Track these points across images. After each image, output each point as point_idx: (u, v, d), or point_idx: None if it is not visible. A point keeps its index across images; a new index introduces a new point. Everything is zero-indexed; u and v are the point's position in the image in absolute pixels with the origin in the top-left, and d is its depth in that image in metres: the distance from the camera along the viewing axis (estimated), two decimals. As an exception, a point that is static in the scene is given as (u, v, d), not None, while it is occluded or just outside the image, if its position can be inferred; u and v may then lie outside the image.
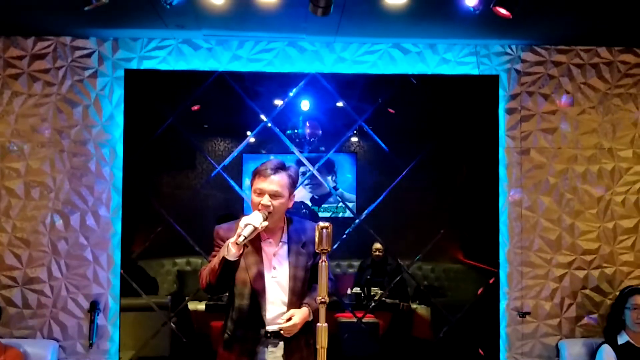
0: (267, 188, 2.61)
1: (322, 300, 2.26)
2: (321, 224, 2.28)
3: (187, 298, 4.79)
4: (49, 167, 3.72)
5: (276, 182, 2.62)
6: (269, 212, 2.60)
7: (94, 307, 3.68)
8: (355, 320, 4.64)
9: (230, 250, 2.48)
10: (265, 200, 2.61)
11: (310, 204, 6.59)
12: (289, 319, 2.62)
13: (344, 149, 7.12)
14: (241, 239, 2.45)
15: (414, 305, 6.42)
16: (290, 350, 2.68)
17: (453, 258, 6.73)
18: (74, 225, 3.72)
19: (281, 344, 2.67)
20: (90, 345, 3.66)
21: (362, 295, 5.75)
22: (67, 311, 3.69)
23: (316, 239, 2.27)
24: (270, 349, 2.67)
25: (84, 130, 3.75)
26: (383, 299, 5.91)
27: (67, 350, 3.68)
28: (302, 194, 6.45)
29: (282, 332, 2.64)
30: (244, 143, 4.09)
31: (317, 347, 2.23)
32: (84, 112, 3.76)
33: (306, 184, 6.66)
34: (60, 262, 3.71)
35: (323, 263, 2.26)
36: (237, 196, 4.53)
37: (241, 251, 2.50)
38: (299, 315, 2.64)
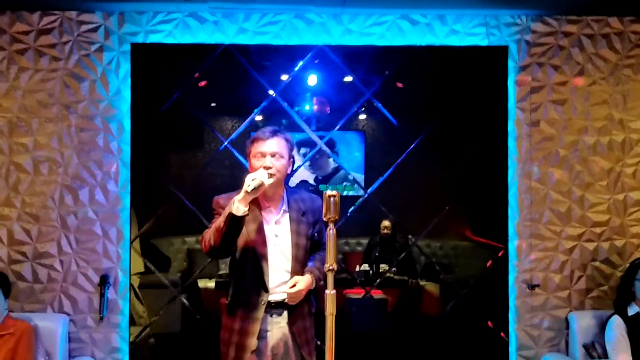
0: (268, 149, 2.66)
1: (331, 268, 2.27)
2: (328, 192, 2.29)
3: (196, 273, 4.79)
4: (57, 142, 3.72)
5: (275, 143, 2.68)
6: (271, 175, 2.62)
7: (104, 281, 3.69)
8: (363, 296, 4.64)
9: (237, 205, 2.48)
10: (268, 161, 2.64)
11: (314, 183, 6.58)
12: (294, 285, 2.64)
13: (352, 126, 7.09)
14: (250, 187, 2.48)
15: (422, 282, 6.42)
16: (293, 319, 2.71)
17: (462, 235, 6.71)
18: (83, 200, 3.73)
19: (285, 312, 2.70)
20: (101, 319, 3.68)
21: (371, 272, 5.76)
22: (78, 285, 3.71)
23: (324, 208, 2.28)
24: (274, 318, 2.69)
25: (91, 105, 3.74)
26: (391, 275, 5.93)
27: (78, 324, 3.71)
28: (307, 174, 6.43)
29: (286, 300, 2.66)
30: (251, 117, 4.06)
31: (326, 314, 2.23)
32: (90, 86, 3.75)
33: (310, 164, 6.64)
34: (69, 237, 3.72)
35: (331, 231, 2.27)
36: (246, 174, 4.51)
37: (247, 207, 2.50)
38: (303, 282, 2.68)
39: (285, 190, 2.78)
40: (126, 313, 3.79)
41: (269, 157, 2.64)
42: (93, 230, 3.73)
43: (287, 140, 2.72)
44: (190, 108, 4.03)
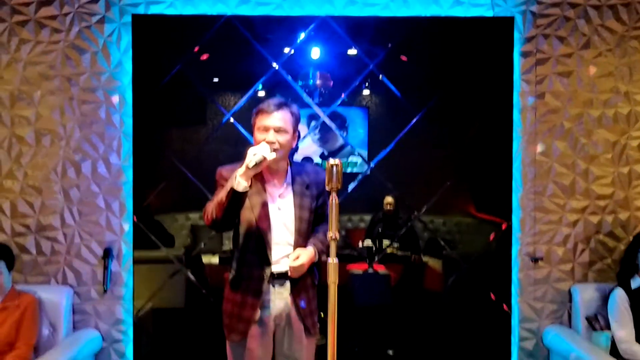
0: (271, 124, 2.61)
1: (333, 237, 2.27)
2: (331, 161, 2.28)
3: (199, 247, 4.79)
4: (59, 114, 3.70)
5: (279, 117, 2.62)
6: (274, 150, 2.58)
7: (108, 254, 3.70)
8: (365, 271, 4.65)
9: (239, 180, 2.46)
10: (271, 136, 2.60)
11: (320, 160, 6.57)
12: (297, 258, 2.64)
13: (356, 103, 7.05)
14: (252, 163, 2.45)
15: (425, 258, 6.44)
16: (296, 291, 2.72)
17: (465, 211, 6.71)
18: (85, 172, 3.72)
19: (287, 284, 2.72)
20: (105, 291, 3.70)
21: (374, 248, 5.78)
22: (81, 258, 3.72)
23: (326, 177, 2.27)
24: (277, 289, 2.71)
25: (93, 77, 3.72)
26: (394, 251, 5.93)
27: (82, 296, 3.72)
28: (313, 150, 6.42)
29: (289, 272, 2.67)
30: (253, 89, 4.03)
31: (329, 282, 2.24)
32: (92, 59, 3.72)
33: (317, 138, 6.62)
34: (72, 210, 3.72)
35: (334, 200, 2.26)
36: (249, 147, 4.51)
37: (249, 182, 2.48)
38: (306, 254, 2.68)
39: (289, 164, 2.77)
40: (130, 285, 3.80)
41: (272, 131, 2.60)
42: (96, 203, 3.73)
43: (292, 113, 2.67)
44: (192, 80, 4.00)
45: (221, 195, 2.54)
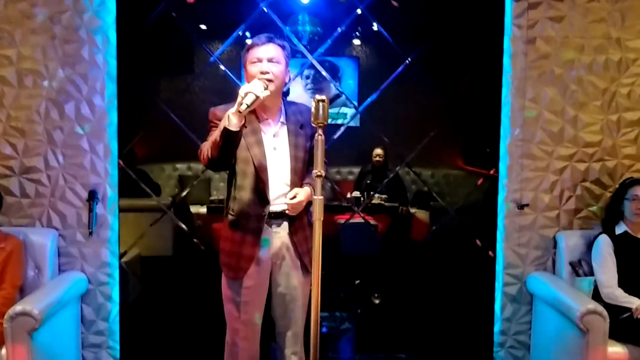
0: (264, 54, 2.60)
1: (319, 173, 2.26)
2: (317, 97, 2.25)
3: (185, 193, 4.77)
4: (41, 54, 3.61)
5: (272, 48, 2.62)
6: (269, 80, 2.55)
7: (92, 197, 3.67)
8: (347, 220, 4.67)
9: (232, 120, 2.42)
10: (264, 66, 2.58)
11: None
12: (294, 197, 2.64)
13: (346, 52, 6.95)
14: (243, 107, 2.40)
15: (413, 210, 6.47)
16: (294, 229, 2.75)
17: (453, 164, 6.72)
18: (68, 114, 3.66)
19: (285, 223, 2.74)
20: (90, 233, 3.67)
21: (362, 199, 5.79)
22: (66, 200, 3.69)
23: (312, 112, 2.25)
24: (274, 228, 2.73)
25: (75, 15, 3.62)
26: (382, 202, 5.95)
27: (67, 239, 3.70)
28: (305, 99, 6.35)
29: (287, 210, 2.68)
30: (239, 29, 3.93)
31: (313, 219, 2.24)
32: (74, -4, 3.62)
33: (307, 88, 6.55)
34: (56, 152, 3.67)
35: (319, 137, 2.25)
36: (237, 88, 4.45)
37: (243, 121, 2.44)
38: (303, 193, 2.69)
39: (283, 102, 2.76)
40: (115, 228, 3.78)
41: (266, 61, 2.59)
42: (80, 145, 3.68)
43: (283, 47, 2.67)
44: (177, 20, 3.90)
45: (215, 135, 2.51)
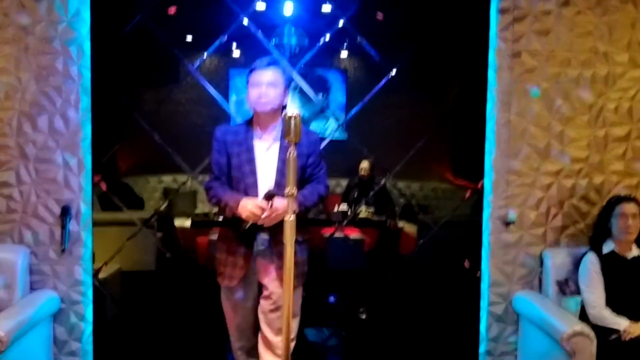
0: (264, 78, 2.83)
1: (289, 193, 2.25)
2: (289, 112, 2.23)
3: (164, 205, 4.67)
4: (14, 66, 3.51)
5: (271, 72, 2.85)
6: (265, 101, 2.83)
7: (66, 212, 3.55)
8: (339, 236, 4.59)
9: (240, 213, 2.79)
10: (263, 89, 2.82)
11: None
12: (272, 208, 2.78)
13: (334, 65, 6.90)
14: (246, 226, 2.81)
15: (400, 223, 6.39)
16: (279, 242, 2.77)
17: (441, 177, 6.66)
18: (41, 127, 3.55)
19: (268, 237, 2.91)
20: (63, 251, 3.56)
21: (349, 212, 5.72)
22: (38, 216, 3.57)
23: (285, 128, 2.24)
24: (259, 239, 2.92)
25: (49, 26, 3.52)
26: (369, 216, 5.87)
27: (39, 256, 3.58)
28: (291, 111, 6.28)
29: (261, 222, 2.82)
30: (218, 41, 3.85)
31: (285, 241, 2.21)
32: (48, 7, 3.50)
33: (296, 100, 6.48)
34: (28, 166, 3.55)
35: (291, 155, 2.23)
36: (222, 111, 4.37)
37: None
38: (279, 203, 2.75)
39: (280, 121, 2.91)
40: (89, 245, 3.66)
41: (264, 86, 2.81)
42: (53, 159, 3.57)
43: (283, 71, 2.91)
44: (154, 31, 3.82)
45: (225, 200, 2.85)
